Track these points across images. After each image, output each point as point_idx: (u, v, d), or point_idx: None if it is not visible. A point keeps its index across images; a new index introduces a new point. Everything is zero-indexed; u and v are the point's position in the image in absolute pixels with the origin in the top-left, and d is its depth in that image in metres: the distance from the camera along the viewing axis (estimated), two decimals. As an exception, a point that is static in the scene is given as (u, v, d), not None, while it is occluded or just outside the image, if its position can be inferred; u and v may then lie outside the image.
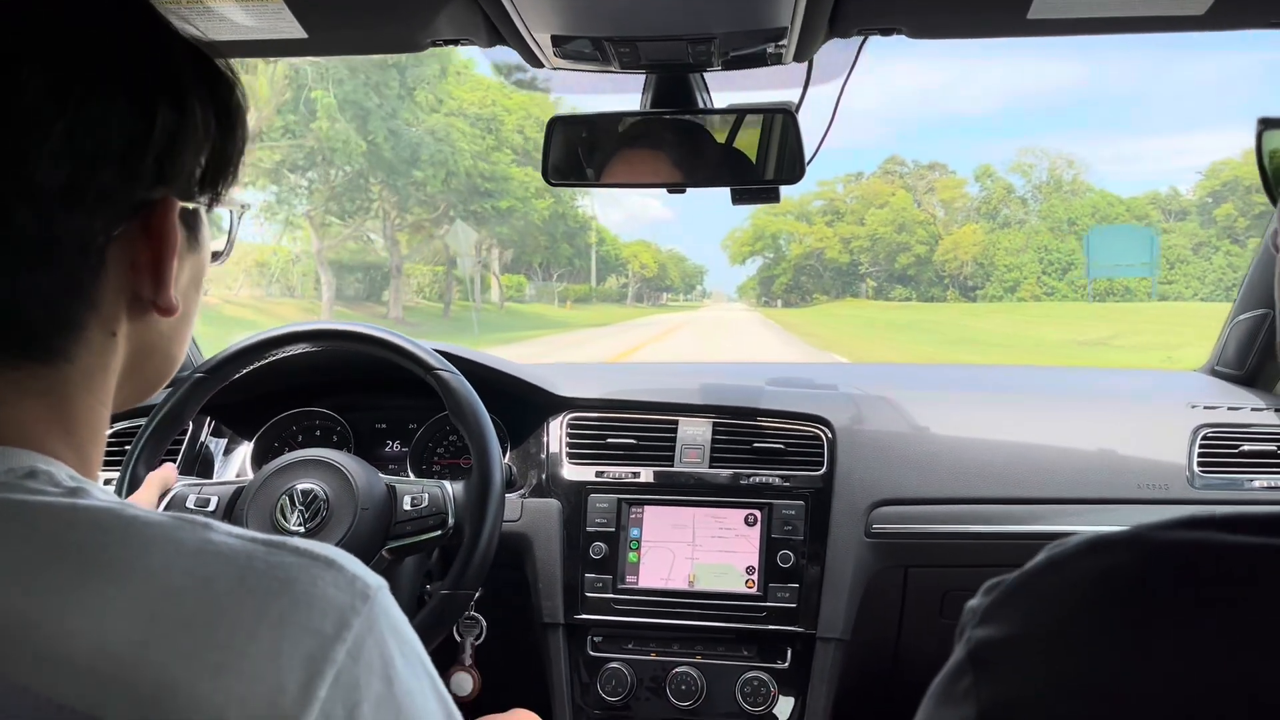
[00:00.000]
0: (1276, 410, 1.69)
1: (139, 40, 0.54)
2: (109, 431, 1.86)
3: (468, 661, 1.50)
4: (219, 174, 0.60)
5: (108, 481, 1.42)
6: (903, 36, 1.15)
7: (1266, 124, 0.66)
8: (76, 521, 0.48)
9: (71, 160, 0.50)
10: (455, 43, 1.17)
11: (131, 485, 1.35)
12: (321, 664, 0.46)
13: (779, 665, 1.54)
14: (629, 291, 68.91)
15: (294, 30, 1.11)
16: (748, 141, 1.35)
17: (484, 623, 1.52)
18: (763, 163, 1.34)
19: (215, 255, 0.68)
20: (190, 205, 0.59)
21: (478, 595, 1.36)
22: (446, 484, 1.37)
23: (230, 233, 0.73)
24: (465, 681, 1.48)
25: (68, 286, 0.53)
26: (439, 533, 1.33)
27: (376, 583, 0.52)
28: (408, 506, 1.34)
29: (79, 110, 0.50)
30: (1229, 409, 1.69)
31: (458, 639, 1.50)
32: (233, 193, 0.63)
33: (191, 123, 0.56)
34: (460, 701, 1.49)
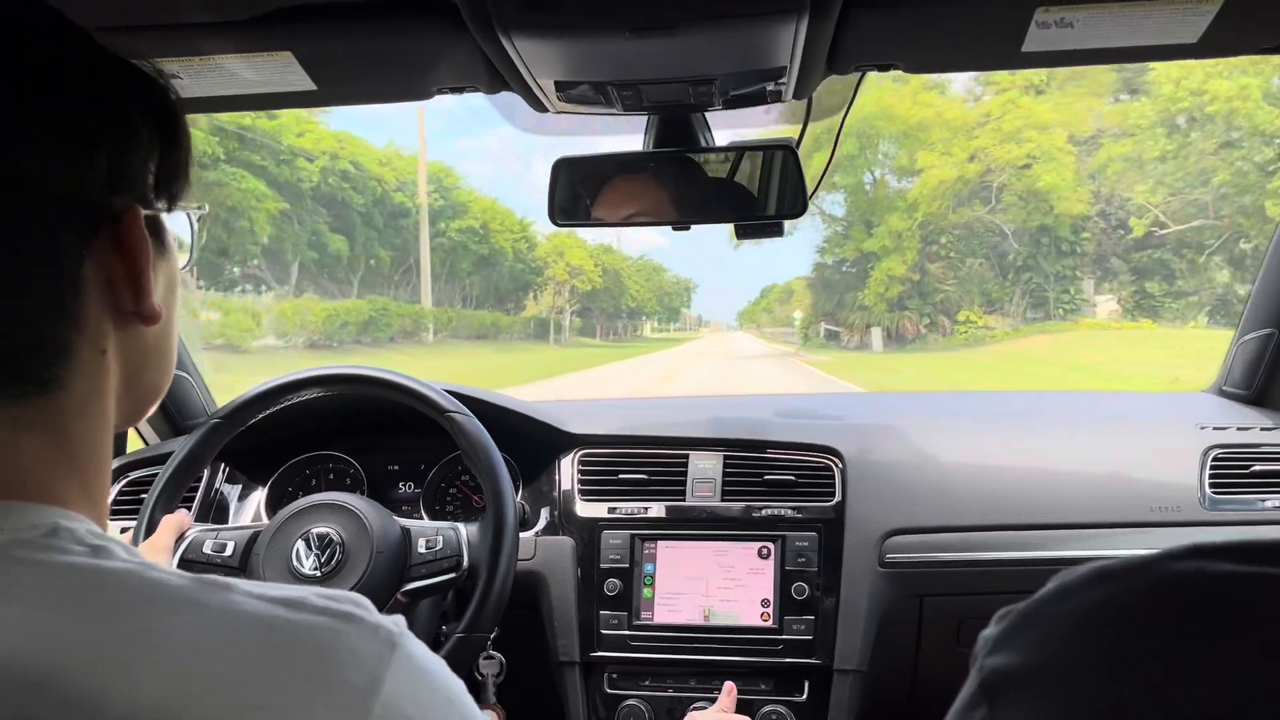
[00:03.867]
0: None
1: (71, 64, 0.56)
2: (125, 482, 1.84)
3: (491, 700, 1.49)
4: (171, 179, 0.62)
5: (124, 530, 1.42)
6: (900, 71, 1.17)
7: None
8: (102, 583, 0.49)
9: (22, 186, 0.51)
10: (460, 90, 1.20)
11: (149, 530, 1.35)
12: (361, 716, 0.47)
13: (797, 698, 1.53)
14: (564, 320, 43.43)
15: (303, 83, 1.13)
16: (749, 177, 1.37)
17: (503, 661, 1.52)
18: (764, 198, 1.36)
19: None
20: (151, 212, 0.60)
21: (494, 635, 1.36)
22: (460, 526, 1.37)
23: (192, 237, 0.74)
24: None
25: (49, 309, 0.54)
26: (453, 575, 1.33)
27: (399, 627, 0.53)
28: (422, 549, 1.34)
29: (24, 138, 0.51)
30: (1238, 429, 1.68)
31: (479, 677, 1.50)
32: (187, 197, 0.64)
33: (134, 133, 0.57)
34: None
